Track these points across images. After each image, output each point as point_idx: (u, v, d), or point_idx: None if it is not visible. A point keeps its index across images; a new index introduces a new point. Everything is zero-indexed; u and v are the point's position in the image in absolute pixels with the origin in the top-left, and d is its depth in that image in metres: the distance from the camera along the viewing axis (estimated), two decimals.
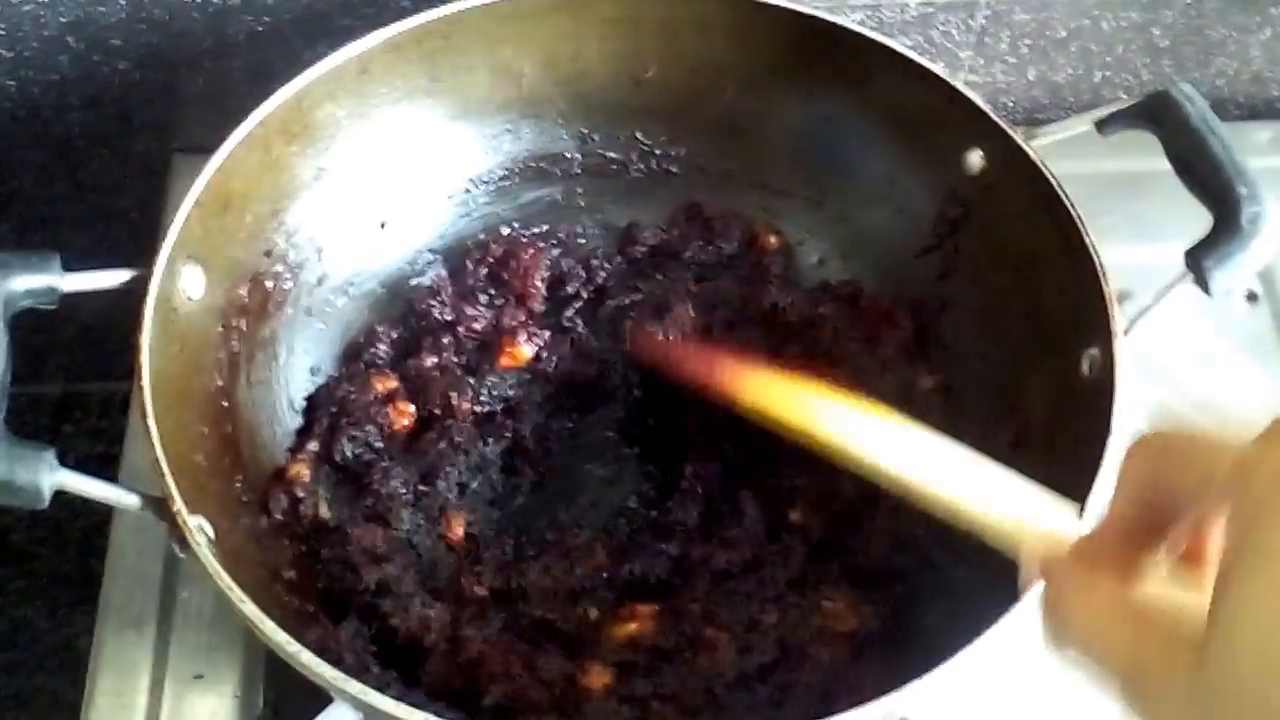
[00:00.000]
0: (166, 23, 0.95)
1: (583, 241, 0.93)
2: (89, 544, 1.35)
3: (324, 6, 0.94)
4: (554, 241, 0.91)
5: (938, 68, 0.84)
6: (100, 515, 1.31)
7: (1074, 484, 0.66)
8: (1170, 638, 0.38)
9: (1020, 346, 0.81)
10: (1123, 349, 0.72)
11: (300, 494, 0.78)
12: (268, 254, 0.82)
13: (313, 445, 0.81)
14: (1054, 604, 0.44)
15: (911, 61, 0.84)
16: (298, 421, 0.83)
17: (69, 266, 0.70)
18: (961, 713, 0.75)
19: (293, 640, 0.62)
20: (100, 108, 1.01)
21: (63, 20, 0.94)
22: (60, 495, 0.65)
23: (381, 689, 0.61)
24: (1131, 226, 0.76)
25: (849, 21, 0.86)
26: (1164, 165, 0.78)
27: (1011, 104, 1.10)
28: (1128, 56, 1.07)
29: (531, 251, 0.88)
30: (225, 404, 0.78)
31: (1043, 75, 1.10)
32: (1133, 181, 0.82)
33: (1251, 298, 0.97)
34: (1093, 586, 0.43)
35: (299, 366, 0.84)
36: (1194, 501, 0.40)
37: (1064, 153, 0.81)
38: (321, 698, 0.72)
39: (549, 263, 0.89)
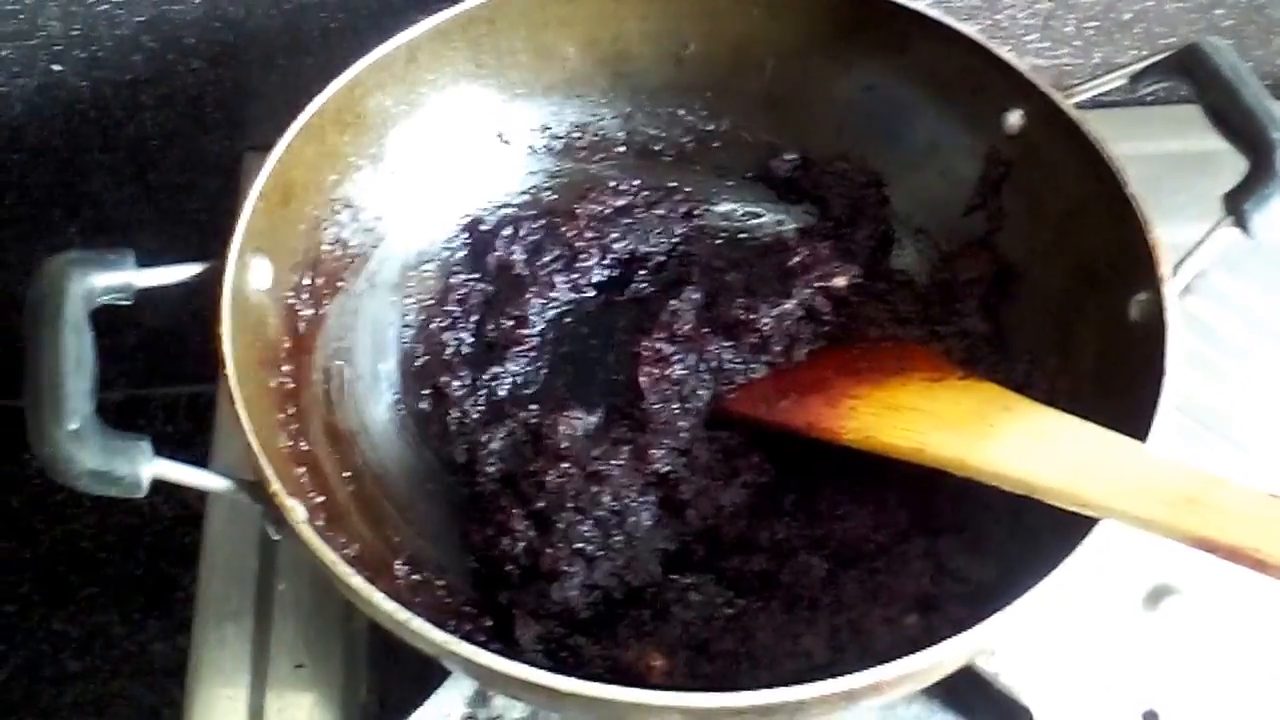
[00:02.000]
0: (241, 20, 0.97)
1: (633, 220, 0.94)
2: (160, 549, 1.38)
3: (399, 2, 0.95)
4: (603, 217, 0.92)
5: (971, 30, 0.85)
6: (169, 520, 1.34)
7: (1131, 425, 0.68)
8: None
9: (1068, 297, 0.82)
10: (1171, 290, 0.72)
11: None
12: (329, 241, 0.84)
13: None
14: None
15: (947, 26, 0.85)
16: (384, 397, 0.85)
17: (142, 263, 0.72)
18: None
19: (401, 609, 0.62)
20: (173, 107, 1.02)
21: (138, 20, 0.96)
22: (127, 500, 0.66)
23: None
24: (1199, 205, 0.77)
25: None
26: None
27: (1081, 84, 1.11)
28: (1190, 37, 1.06)
29: (581, 227, 0.91)
30: (293, 386, 0.79)
31: (1107, 58, 1.11)
32: (1203, 161, 0.83)
33: None
34: None
35: (365, 347, 0.86)
36: None
37: (1130, 133, 0.82)
38: (426, 684, 0.75)
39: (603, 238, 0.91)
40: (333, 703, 0.79)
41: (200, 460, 0.88)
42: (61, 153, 1.04)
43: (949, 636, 0.62)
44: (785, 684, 0.60)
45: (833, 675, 0.60)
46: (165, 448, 1.20)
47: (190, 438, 1.22)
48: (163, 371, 1.22)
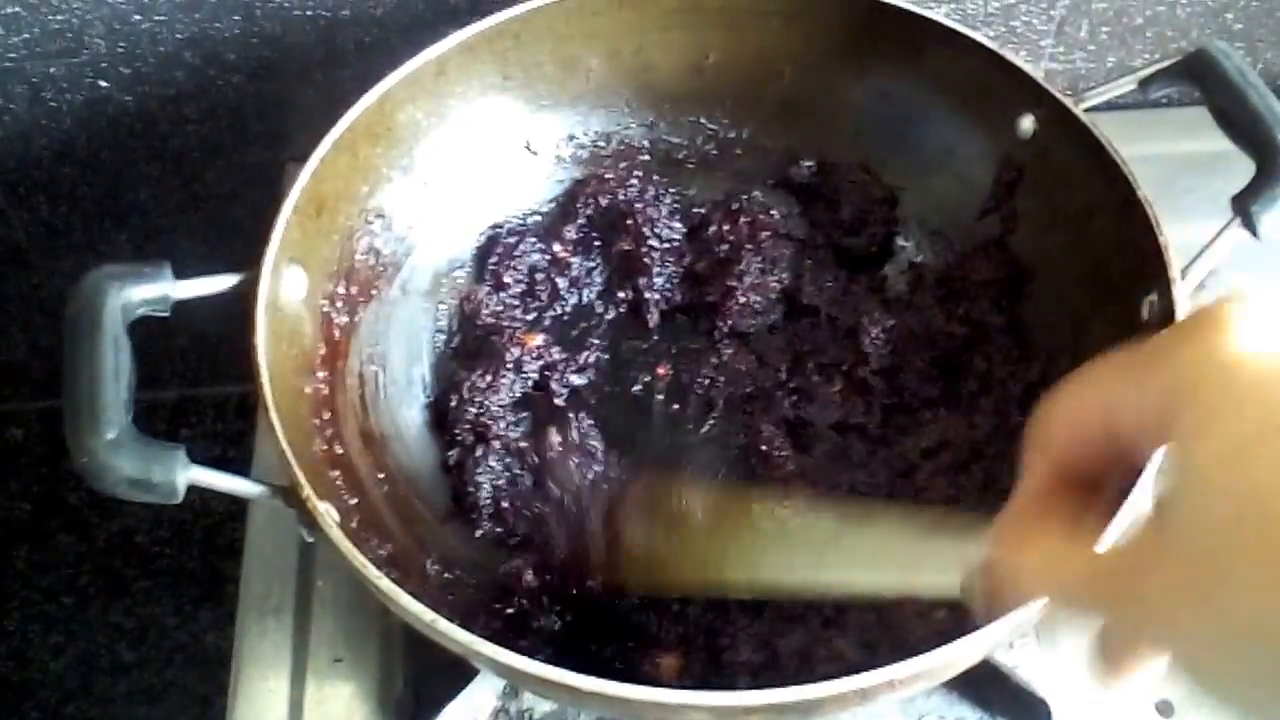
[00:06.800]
0: (279, 36, 0.99)
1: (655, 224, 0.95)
2: (211, 542, 1.41)
3: (431, 17, 0.99)
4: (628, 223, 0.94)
5: (984, 37, 0.87)
6: (220, 515, 1.37)
7: None
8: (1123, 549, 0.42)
9: (1081, 296, 0.83)
10: (1181, 292, 0.73)
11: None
12: (362, 250, 0.86)
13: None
14: (998, 566, 0.46)
15: (960, 34, 0.87)
16: (416, 400, 0.88)
17: (180, 274, 0.73)
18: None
19: (427, 610, 0.63)
20: (215, 120, 1.05)
21: (179, 37, 0.98)
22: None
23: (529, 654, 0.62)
24: (1211, 205, 0.78)
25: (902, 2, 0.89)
26: None
27: (1092, 89, 1.13)
28: (1203, 41, 1.08)
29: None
30: (328, 391, 0.81)
31: (1121, 61, 1.12)
32: (1215, 161, 0.84)
33: None
34: (1037, 537, 0.45)
35: (399, 352, 0.89)
36: (1130, 436, 0.42)
37: (1141, 135, 0.84)
38: (460, 677, 0.76)
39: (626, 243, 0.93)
40: (369, 695, 0.81)
41: (247, 459, 0.91)
42: (110, 165, 1.07)
43: (978, 629, 0.62)
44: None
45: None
46: (216, 446, 1.23)
47: (241, 436, 1.25)
48: (213, 372, 1.25)
